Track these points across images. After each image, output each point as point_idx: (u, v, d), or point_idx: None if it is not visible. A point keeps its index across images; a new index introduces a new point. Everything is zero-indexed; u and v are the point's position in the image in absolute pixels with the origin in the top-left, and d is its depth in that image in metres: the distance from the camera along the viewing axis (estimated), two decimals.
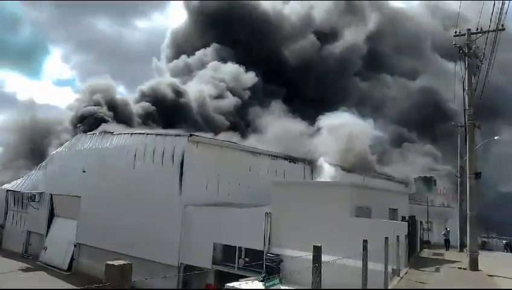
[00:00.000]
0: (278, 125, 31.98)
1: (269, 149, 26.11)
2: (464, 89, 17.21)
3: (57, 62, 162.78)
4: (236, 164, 22.61)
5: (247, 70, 42.13)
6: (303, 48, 47.54)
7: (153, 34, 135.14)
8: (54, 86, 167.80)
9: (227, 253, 17.75)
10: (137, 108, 34.51)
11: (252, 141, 28.95)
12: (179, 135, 21.75)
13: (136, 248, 20.03)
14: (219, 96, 38.78)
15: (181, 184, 19.90)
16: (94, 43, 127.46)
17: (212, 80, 39.67)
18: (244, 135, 32.67)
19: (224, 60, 43.04)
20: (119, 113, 32.61)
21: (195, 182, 20.13)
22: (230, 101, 38.76)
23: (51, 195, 29.28)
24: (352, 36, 50.45)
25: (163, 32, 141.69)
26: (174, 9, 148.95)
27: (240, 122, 37.96)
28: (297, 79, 45.25)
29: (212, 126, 34.25)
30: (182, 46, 48.37)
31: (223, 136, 27.98)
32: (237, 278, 15.38)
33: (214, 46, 45.54)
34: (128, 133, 24.52)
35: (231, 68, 41.81)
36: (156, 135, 22.95)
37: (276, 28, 47.85)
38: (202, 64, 43.07)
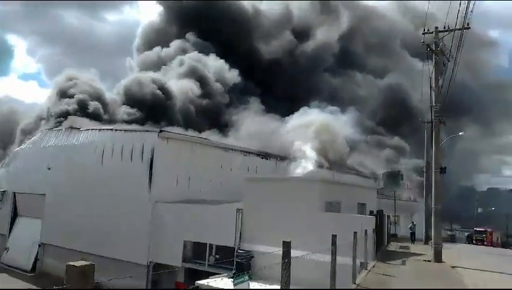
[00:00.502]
0: (254, 122, 32.00)
1: (246, 146, 26.08)
2: (431, 86, 17.70)
3: (22, 56, 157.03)
4: (207, 160, 22.43)
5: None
6: (280, 46, 47.88)
7: (123, 27, 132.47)
8: (20, 80, 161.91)
9: (197, 250, 17.63)
10: (121, 110, 32.98)
11: (230, 139, 28.83)
12: (149, 131, 21.38)
13: (104, 246, 19.60)
14: (203, 93, 38.13)
15: (151, 181, 19.56)
16: (61, 35, 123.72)
17: (194, 73, 38.63)
18: (223, 132, 32.47)
19: (204, 53, 42.27)
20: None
21: (165, 178, 19.83)
22: (212, 100, 38.12)
23: (14, 193, 28.20)
24: (325, 35, 51.24)
25: (134, 25, 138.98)
26: (145, 3, 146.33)
27: (220, 119, 37.38)
28: (272, 76, 45.38)
29: (194, 124, 33.54)
30: (155, 42, 47.14)
31: (205, 134, 27.67)
32: (208, 275, 15.30)
33: (192, 39, 44.61)
34: (96, 129, 23.88)
35: (214, 63, 41.22)
36: (125, 130, 22.47)
37: (254, 26, 47.74)
38: (180, 55, 41.78)
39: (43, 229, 24.80)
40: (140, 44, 49.66)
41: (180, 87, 36.15)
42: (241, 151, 25.40)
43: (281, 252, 5.35)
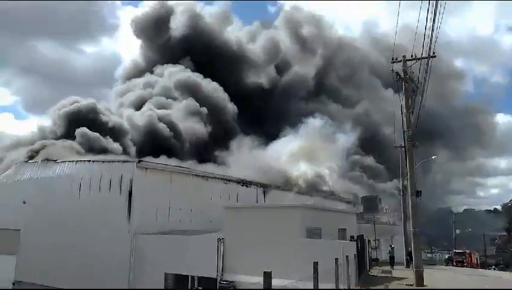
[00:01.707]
0: (249, 152, 33.02)
1: (244, 175, 26.47)
2: (402, 112, 18.37)
3: None
4: (187, 189, 22.30)
5: None
6: (266, 76, 50.71)
7: (102, 59, 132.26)
8: None
9: (179, 282, 17.30)
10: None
11: (224, 169, 29.34)
12: (127, 161, 21.23)
13: (84, 282, 18.98)
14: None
15: (130, 212, 19.27)
16: (38, 67, 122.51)
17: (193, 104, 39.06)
18: (218, 162, 32.95)
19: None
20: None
21: (144, 209, 19.58)
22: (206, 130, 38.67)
23: None
24: (303, 68, 55.15)
25: (112, 57, 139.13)
26: (124, 34, 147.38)
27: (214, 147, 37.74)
28: (257, 104, 46.77)
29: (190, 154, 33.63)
30: (139, 73, 47.55)
31: (200, 167, 27.90)
32: None
33: (185, 63, 45.33)
34: (73, 161, 23.51)
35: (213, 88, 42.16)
36: (103, 161, 22.21)
37: (241, 60, 49.53)
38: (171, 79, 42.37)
39: (17, 266, 23.83)
40: (123, 76, 50.02)
41: (185, 126, 36.29)
42: (221, 179, 25.40)
43: (262, 282, 5.43)
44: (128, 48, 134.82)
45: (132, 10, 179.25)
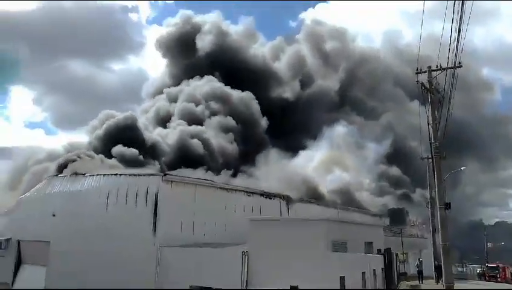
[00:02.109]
0: (276, 166, 33.26)
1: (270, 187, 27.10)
2: (428, 124, 18.03)
3: (28, 104, 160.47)
4: (211, 202, 22.44)
5: None
6: (290, 90, 51.13)
7: (129, 76, 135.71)
8: (26, 129, 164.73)
9: None
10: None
11: (254, 181, 29.84)
12: (153, 175, 21.57)
13: None
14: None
15: (155, 225, 19.53)
16: (67, 85, 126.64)
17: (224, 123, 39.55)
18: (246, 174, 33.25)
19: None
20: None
21: (170, 222, 19.80)
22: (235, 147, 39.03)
23: (18, 241, 27.97)
24: (326, 82, 55.81)
25: (139, 74, 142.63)
26: (150, 52, 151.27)
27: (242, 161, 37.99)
28: (281, 117, 47.15)
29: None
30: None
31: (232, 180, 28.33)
32: None
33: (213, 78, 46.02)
34: (101, 174, 24.05)
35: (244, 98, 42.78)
36: (129, 175, 22.62)
37: (266, 75, 50.10)
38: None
39: (47, 277, 24.40)
40: (150, 93, 50.95)
41: (217, 141, 36.77)
42: (244, 191, 25.44)
43: None
44: (154, 64, 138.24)
45: (157, 29, 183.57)
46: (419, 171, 44.11)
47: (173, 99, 43.25)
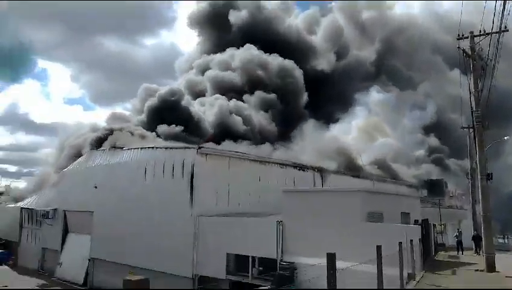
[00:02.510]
0: (314, 138, 33.16)
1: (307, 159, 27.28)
2: (470, 92, 17.22)
3: (66, 82, 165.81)
4: (245, 173, 22.72)
5: None
6: (326, 61, 49.36)
7: (161, 52, 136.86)
8: (65, 105, 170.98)
9: (240, 263, 17.79)
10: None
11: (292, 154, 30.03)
12: (188, 148, 21.94)
13: (151, 260, 20.15)
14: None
15: (192, 196, 20.04)
16: (102, 61, 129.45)
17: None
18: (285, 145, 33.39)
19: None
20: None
21: (206, 193, 20.26)
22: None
23: (64, 211, 29.59)
24: (362, 51, 53.72)
25: (171, 49, 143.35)
26: (181, 26, 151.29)
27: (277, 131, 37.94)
28: (317, 88, 46.19)
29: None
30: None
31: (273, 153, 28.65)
32: (251, 287, 15.40)
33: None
34: (138, 148, 24.77)
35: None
36: (166, 148, 23.16)
37: (302, 47, 48.80)
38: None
39: (92, 245, 25.83)
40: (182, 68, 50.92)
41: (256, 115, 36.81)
42: (277, 164, 25.55)
43: (324, 264, 5.41)
44: (186, 39, 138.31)
45: (189, 3, 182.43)
46: (458, 142, 42.77)
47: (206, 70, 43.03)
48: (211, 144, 26.63)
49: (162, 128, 30.08)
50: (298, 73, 42.06)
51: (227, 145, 27.56)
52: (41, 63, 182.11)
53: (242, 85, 39.85)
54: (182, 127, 30.00)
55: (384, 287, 8.79)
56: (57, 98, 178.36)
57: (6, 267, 32.28)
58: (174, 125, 30.10)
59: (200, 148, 21.14)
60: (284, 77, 41.13)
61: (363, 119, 38.83)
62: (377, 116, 40.58)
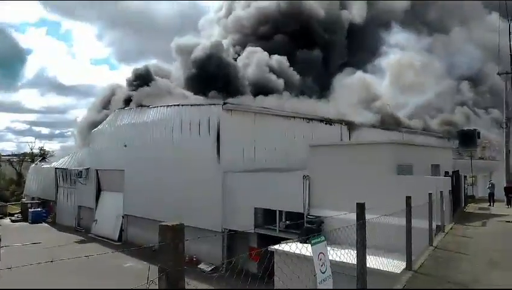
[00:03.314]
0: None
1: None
2: (510, 32, 16.10)
3: (92, 42, 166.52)
4: (271, 129, 22.61)
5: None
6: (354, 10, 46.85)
7: (185, 5, 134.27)
8: (91, 66, 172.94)
9: (268, 216, 18.07)
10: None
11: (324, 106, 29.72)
12: (213, 104, 21.88)
13: (180, 216, 20.72)
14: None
15: (219, 152, 20.21)
16: (125, 19, 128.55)
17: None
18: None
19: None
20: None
21: (232, 149, 20.37)
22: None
23: (97, 171, 30.60)
24: None
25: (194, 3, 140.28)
26: None
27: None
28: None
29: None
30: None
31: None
32: (279, 240, 15.69)
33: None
34: (164, 106, 24.90)
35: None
36: (191, 105, 23.20)
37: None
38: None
39: (124, 202, 26.82)
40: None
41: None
42: (303, 118, 25.23)
43: (352, 216, 5.32)
44: None
45: None
46: (493, 91, 40.88)
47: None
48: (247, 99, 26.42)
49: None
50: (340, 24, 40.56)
51: (261, 100, 27.22)
52: (66, 24, 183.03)
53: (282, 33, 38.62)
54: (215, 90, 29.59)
55: (412, 239, 8.69)
56: (83, 58, 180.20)
57: (46, 224, 34.18)
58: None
59: (225, 104, 21.04)
60: (330, 30, 39.78)
61: (395, 58, 37.57)
62: (409, 57, 39.09)
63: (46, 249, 22.75)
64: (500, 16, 19.10)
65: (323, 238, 4.09)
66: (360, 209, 4.95)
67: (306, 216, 16.34)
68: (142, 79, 31.07)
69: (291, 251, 10.71)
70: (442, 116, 41.10)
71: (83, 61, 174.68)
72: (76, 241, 26.96)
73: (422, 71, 39.44)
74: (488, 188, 26.03)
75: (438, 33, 50.44)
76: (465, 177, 24.89)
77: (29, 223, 34.56)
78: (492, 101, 42.62)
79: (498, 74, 25.43)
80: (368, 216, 5.51)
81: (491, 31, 35.93)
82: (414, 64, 38.65)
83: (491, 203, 24.34)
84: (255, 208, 18.36)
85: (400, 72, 37.25)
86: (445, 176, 17.12)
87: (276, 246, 13.26)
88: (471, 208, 23.05)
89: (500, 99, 26.52)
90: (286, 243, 13.50)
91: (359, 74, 37.15)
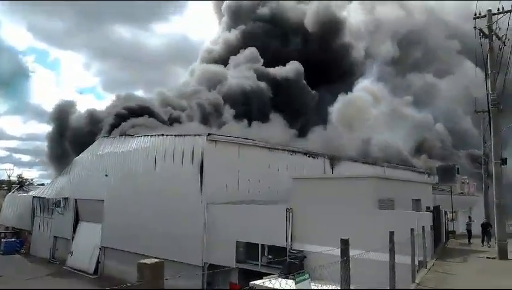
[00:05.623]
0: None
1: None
2: (486, 74, 16.77)
3: (78, 70, 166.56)
4: (255, 161, 22.58)
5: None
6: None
7: (172, 38, 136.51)
8: (77, 94, 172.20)
9: (250, 251, 17.75)
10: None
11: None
12: (198, 135, 21.84)
13: (160, 248, 20.23)
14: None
15: (202, 183, 20.00)
16: (113, 49, 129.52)
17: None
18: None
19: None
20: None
21: (215, 180, 20.20)
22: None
23: (75, 200, 29.85)
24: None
25: (182, 36, 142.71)
26: (193, 12, 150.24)
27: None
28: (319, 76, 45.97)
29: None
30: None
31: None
32: (261, 275, 15.36)
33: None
34: (148, 135, 24.76)
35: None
36: (175, 135, 23.10)
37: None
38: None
39: (103, 233, 26.06)
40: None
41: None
42: (287, 151, 25.36)
43: (335, 252, 5.28)
44: (197, 25, 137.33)
45: None
46: (469, 127, 42.26)
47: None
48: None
49: None
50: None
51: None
52: (54, 53, 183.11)
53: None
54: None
55: (395, 274, 8.64)
56: (69, 87, 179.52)
57: (19, 256, 32.85)
58: None
59: (209, 134, 21.04)
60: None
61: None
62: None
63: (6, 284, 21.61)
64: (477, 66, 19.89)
65: (307, 276, 4.05)
66: (344, 244, 4.93)
67: (288, 251, 16.12)
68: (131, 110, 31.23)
69: (274, 287, 10.49)
70: (420, 154, 42.05)
71: (69, 89, 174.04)
72: (48, 275, 25.86)
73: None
74: (467, 224, 26.28)
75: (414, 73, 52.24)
76: (445, 212, 25.16)
77: (1, 254, 33.15)
78: (467, 142, 43.99)
79: (475, 112, 26.28)
80: (351, 252, 5.48)
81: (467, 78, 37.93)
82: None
83: (469, 240, 24.35)
84: (237, 241, 18.05)
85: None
86: (426, 211, 17.29)
87: (258, 282, 12.97)
88: (452, 244, 23.19)
89: (475, 139, 27.30)
90: (269, 279, 13.21)
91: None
